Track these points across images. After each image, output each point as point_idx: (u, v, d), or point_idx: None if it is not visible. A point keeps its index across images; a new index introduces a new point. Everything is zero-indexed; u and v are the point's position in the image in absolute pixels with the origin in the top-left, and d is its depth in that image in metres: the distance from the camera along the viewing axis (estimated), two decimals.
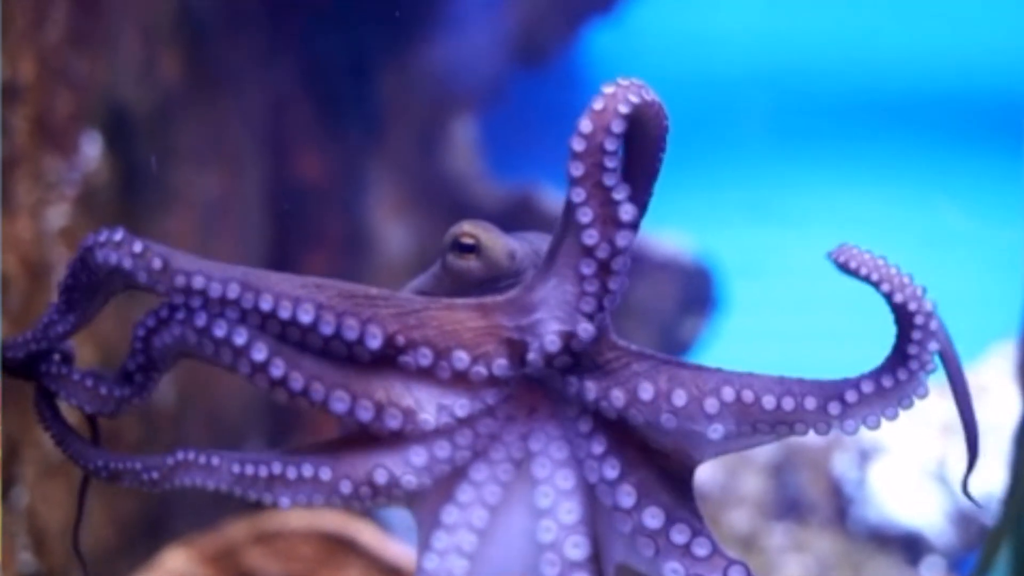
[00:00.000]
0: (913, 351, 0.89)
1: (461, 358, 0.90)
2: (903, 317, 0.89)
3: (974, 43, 3.16)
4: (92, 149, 1.98)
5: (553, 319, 0.90)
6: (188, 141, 2.43)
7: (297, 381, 0.90)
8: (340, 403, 0.89)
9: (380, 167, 2.98)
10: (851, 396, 0.89)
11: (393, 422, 0.90)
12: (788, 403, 0.88)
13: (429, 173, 3.00)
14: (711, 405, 0.88)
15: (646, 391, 0.89)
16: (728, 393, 0.89)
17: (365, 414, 0.89)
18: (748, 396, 0.88)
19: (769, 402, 0.88)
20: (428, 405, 0.90)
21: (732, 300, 3.09)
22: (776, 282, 3.15)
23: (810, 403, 0.88)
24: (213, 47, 2.55)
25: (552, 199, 2.92)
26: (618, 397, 0.89)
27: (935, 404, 2.29)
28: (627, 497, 0.90)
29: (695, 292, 2.98)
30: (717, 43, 3.13)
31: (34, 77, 1.79)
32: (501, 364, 0.91)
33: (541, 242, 0.99)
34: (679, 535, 0.90)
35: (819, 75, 3.17)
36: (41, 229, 1.84)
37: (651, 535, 0.90)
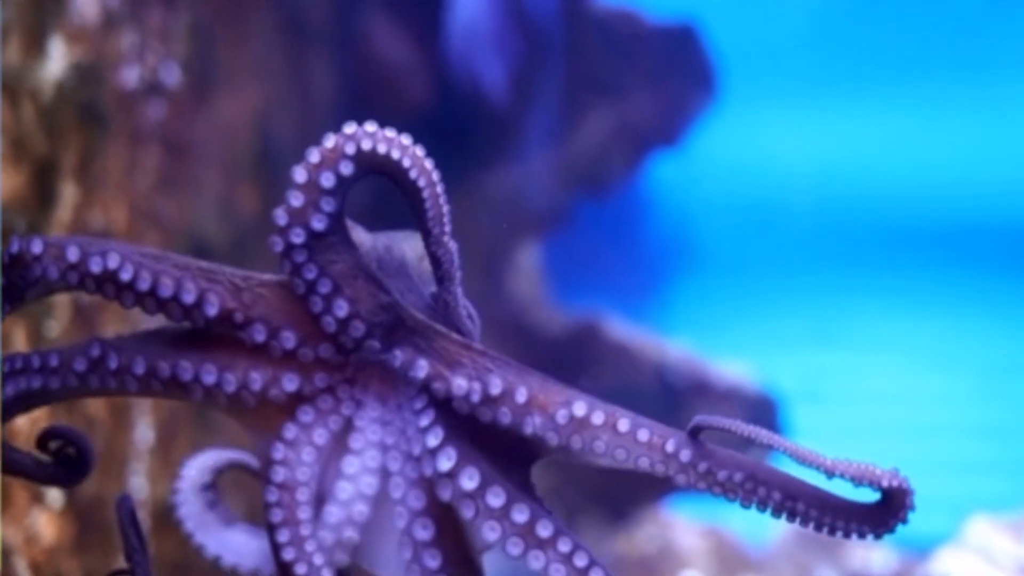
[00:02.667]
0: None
1: (289, 337, 0.92)
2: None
3: None
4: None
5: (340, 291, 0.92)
6: (262, 271, 2.50)
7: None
8: (184, 372, 0.92)
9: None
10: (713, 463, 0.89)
11: (229, 386, 0.92)
12: (643, 435, 0.89)
13: (494, 298, 3.04)
14: (561, 416, 0.90)
15: (495, 386, 0.90)
16: (579, 407, 0.90)
17: (208, 377, 0.92)
18: (598, 417, 0.89)
19: (624, 425, 0.89)
20: (259, 373, 0.92)
21: (796, 427, 3.08)
22: (839, 408, 3.13)
23: (670, 446, 0.89)
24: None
25: (617, 326, 2.95)
26: (459, 386, 0.90)
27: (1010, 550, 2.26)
28: (446, 461, 0.90)
29: (759, 420, 2.97)
30: (780, 174, 3.17)
31: (126, 224, 1.86)
32: (327, 347, 0.92)
33: (401, 241, 1.01)
34: (520, 515, 0.90)
35: (881, 204, 3.19)
36: None
37: (494, 515, 0.90)
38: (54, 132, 1.62)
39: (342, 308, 0.92)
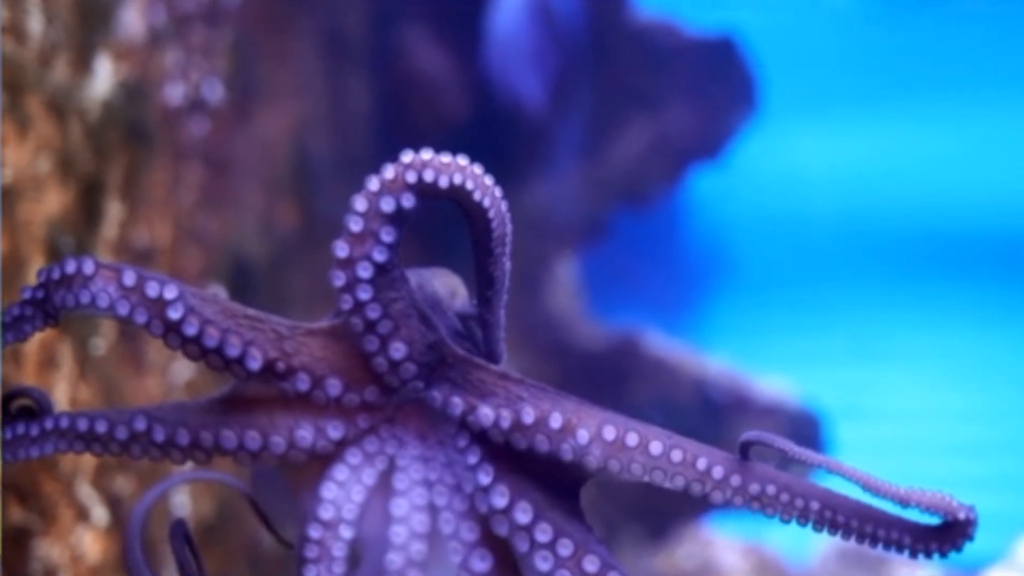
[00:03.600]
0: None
1: (335, 385, 0.92)
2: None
3: None
4: None
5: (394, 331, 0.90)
6: (301, 289, 2.50)
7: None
8: (228, 441, 0.91)
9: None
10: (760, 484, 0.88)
11: (278, 449, 0.91)
12: (676, 455, 0.89)
13: (532, 313, 3.03)
14: (582, 436, 0.89)
15: (527, 414, 0.90)
16: (610, 431, 0.89)
17: (252, 444, 0.91)
18: (632, 439, 0.89)
19: (656, 448, 0.89)
20: (305, 426, 0.91)
21: (838, 444, 3.05)
22: (881, 424, 3.10)
23: (702, 464, 0.88)
24: (325, 194, 2.63)
25: (656, 341, 2.93)
26: (487, 415, 0.90)
27: None
28: (501, 498, 0.90)
29: (801, 437, 2.94)
30: (820, 187, 3.14)
31: (169, 240, 1.87)
32: (372, 390, 0.92)
33: (431, 278, 0.99)
34: (565, 549, 0.89)
35: (921, 217, 3.16)
36: (169, 384, 1.89)
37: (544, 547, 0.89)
38: (101, 150, 1.62)
39: (399, 351, 0.91)
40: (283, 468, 0.93)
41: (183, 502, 1.85)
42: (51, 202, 1.51)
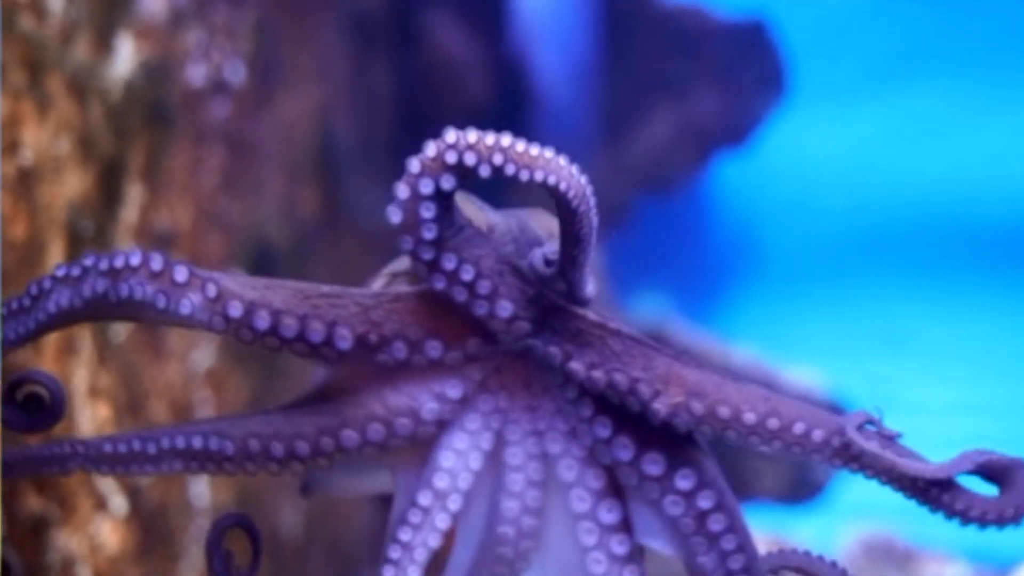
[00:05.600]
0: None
1: (435, 346, 0.88)
2: None
3: None
4: None
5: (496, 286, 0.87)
6: (322, 274, 2.47)
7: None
8: (350, 440, 0.88)
9: None
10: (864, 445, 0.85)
11: (404, 430, 0.88)
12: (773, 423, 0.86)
13: None
14: (671, 404, 0.87)
15: (619, 382, 0.87)
16: (697, 407, 0.87)
17: (376, 435, 0.87)
18: (724, 412, 0.86)
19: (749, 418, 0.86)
20: (424, 396, 0.88)
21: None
22: (911, 417, 3.05)
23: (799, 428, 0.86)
24: (347, 179, 2.59)
25: (681, 329, 2.89)
26: (577, 370, 0.87)
27: None
28: (625, 450, 0.88)
29: None
30: (849, 175, 3.09)
31: (190, 224, 1.83)
32: (474, 343, 0.88)
33: (528, 219, 0.96)
34: (684, 481, 0.87)
35: (954, 207, 3.11)
36: (189, 372, 1.86)
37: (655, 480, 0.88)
38: (121, 132, 1.59)
39: (505, 309, 0.87)
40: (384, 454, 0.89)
41: (202, 492, 1.82)
42: (71, 184, 1.48)
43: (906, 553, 2.56)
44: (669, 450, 0.88)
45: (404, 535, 0.87)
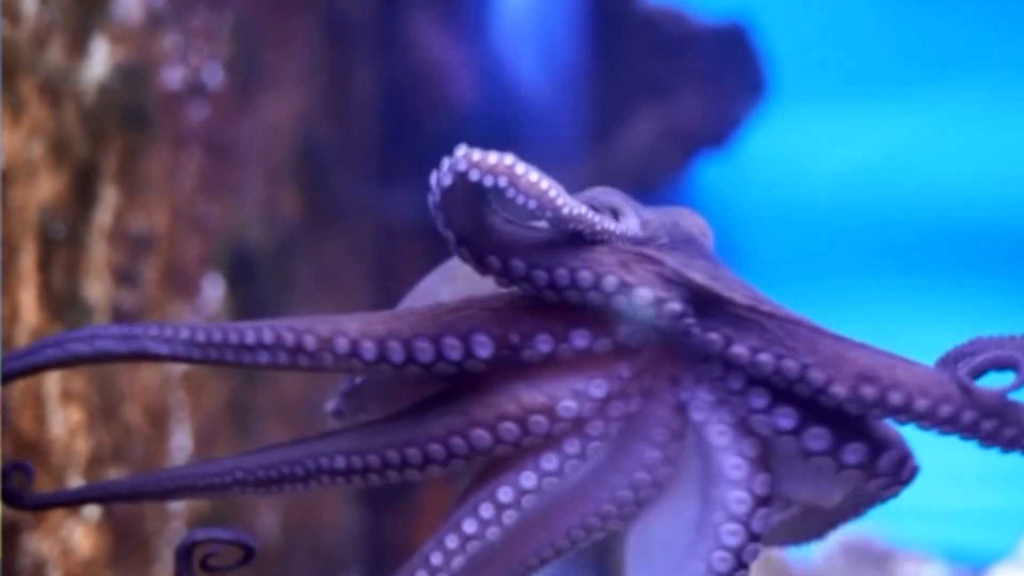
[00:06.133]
0: None
1: (582, 335, 0.85)
2: None
3: None
4: (215, 291, 2.01)
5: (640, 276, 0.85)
6: (305, 277, 2.46)
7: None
8: (480, 440, 0.85)
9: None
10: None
11: (539, 428, 0.84)
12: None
13: None
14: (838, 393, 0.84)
15: (789, 369, 0.84)
16: (868, 391, 0.84)
17: (509, 435, 0.84)
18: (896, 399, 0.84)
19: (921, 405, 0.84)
20: (563, 394, 0.85)
21: None
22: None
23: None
24: (330, 182, 2.59)
25: None
26: (740, 354, 0.84)
27: None
28: (787, 420, 0.85)
29: None
30: (831, 177, 3.10)
31: (167, 227, 1.83)
32: (623, 330, 0.85)
33: (681, 217, 0.95)
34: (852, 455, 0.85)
35: (938, 208, 3.12)
36: (165, 375, 1.86)
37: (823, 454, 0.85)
38: (96, 135, 1.58)
39: (643, 296, 0.85)
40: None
41: None
42: (44, 187, 1.48)
43: (884, 554, 2.57)
44: (835, 424, 0.86)
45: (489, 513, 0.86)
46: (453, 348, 0.85)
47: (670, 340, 0.86)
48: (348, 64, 2.75)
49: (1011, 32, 3.15)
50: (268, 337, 0.87)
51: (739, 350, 0.84)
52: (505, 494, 0.86)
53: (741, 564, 0.85)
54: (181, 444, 1.86)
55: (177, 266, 1.87)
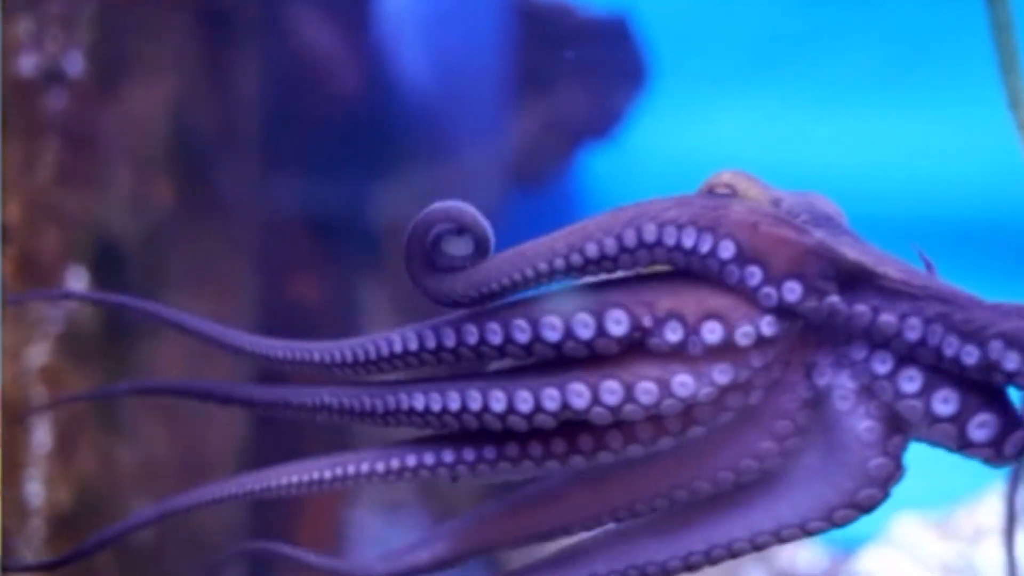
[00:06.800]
0: None
1: (714, 329, 0.80)
2: None
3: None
4: (77, 283, 1.97)
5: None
6: (179, 268, 2.43)
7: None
8: (577, 396, 0.80)
9: (377, 289, 2.97)
10: None
11: (646, 397, 0.79)
12: None
13: (425, 296, 2.99)
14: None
15: (949, 345, 0.77)
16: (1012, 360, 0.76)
17: (612, 397, 0.79)
18: None
19: None
20: (681, 368, 0.80)
21: None
22: None
23: None
24: (206, 173, 2.56)
25: None
26: (890, 324, 0.79)
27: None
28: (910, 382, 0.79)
29: None
30: (713, 166, 3.14)
31: (20, 219, 1.79)
32: (768, 321, 0.80)
33: (816, 199, 0.90)
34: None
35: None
36: (22, 368, 1.82)
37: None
38: None
39: (754, 275, 0.80)
40: None
41: (37, 490, 1.79)
42: None
43: None
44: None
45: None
46: (586, 327, 0.81)
47: (811, 323, 0.81)
48: (227, 54, 2.71)
49: (887, 18, 3.21)
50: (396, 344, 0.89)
51: (888, 318, 0.79)
52: (586, 442, 0.83)
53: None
54: (40, 440, 1.83)
55: (33, 258, 1.83)
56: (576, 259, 0.84)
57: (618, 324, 0.80)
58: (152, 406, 2.21)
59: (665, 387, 0.79)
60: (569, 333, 0.81)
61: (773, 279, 0.80)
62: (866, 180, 3.22)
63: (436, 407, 0.86)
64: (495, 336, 0.84)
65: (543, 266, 0.85)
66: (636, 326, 0.80)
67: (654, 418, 0.81)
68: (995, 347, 0.76)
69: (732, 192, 0.88)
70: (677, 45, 3.06)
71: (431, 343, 0.85)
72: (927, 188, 3.06)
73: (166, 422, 2.27)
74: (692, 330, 0.79)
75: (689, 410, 0.81)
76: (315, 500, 2.69)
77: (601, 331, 0.80)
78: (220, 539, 2.56)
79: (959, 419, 0.80)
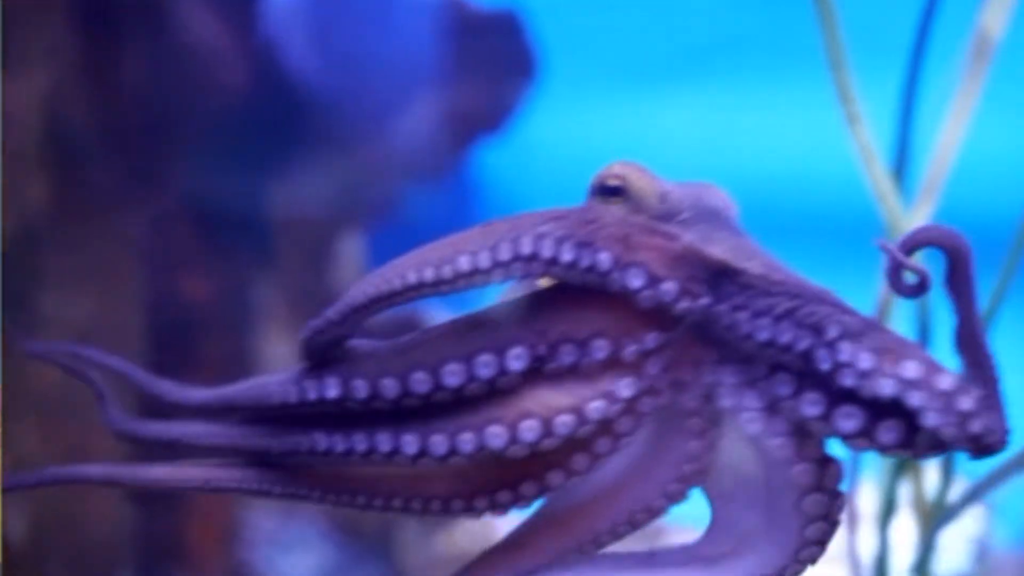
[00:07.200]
0: None
1: (601, 347, 0.82)
2: None
3: None
4: None
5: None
6: (57, 267, 2.37)
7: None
8: (495, 438, 0.81)
9: (268, 285, 2.93)
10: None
11: (564, 429, 0.81)
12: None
13: (316, 291, 2.96)
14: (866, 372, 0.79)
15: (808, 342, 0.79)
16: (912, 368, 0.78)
17: (530, 435, 0.81)
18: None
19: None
20: (591, 396, 0.82)
21: None
22: None
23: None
24: (86, 168, 2.50)
25: (440, 317, 2.89)
26: (760, 329, 0.80)
27: None
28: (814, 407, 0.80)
29: None
30: (606, 158, 3.15)
31: None
32: (653, 336, 0.82)
33: (704, 191, 0.91)
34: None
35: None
36: None
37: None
38: None
39: (638, 277, 0.81)
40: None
41: None
42: None
43: (656, 528, 2.63)
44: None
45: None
46: (485, 367, 0.82)
47: (690, 324, 0.83)
48: (108, 48, 2.66)
49: (783, 17, 3.25)
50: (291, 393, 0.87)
51: (741, 317, 0.81)
52: (529, 488, 0.84)
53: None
54: None
55: None
56: (447, 272, 0.85)
57: (518, 359, 0.82)
58: (30, 409, 2.16)
59: (580, 414, 0.81)
60: (472, 375, 0.82)
61: (650, 286, 0.82)
62: (757, 171, 3.26)
63: (339, 448, 0.85)
64: (391, 390, 0.84)
65: (412, 278, 0.86)
66: (535, 357, 0.82)
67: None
68: (831, 336, 0.78)
69: (623, 183, 0.90)
70: (568, 38, 3.07)
71: (312, 396, 0.84)
72: (765, 180, 3.10)
73: (44, 426, 2.22)
74: (586, 351, 0.82)
75: (607, 426, 0.83)
76: (207, 501, 2.64)
77: (503, 370, 0.82)
78: (106, 541, 2.51)
79: (827, 417, 0.81)
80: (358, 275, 3.07)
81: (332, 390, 0.85)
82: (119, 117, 2.66)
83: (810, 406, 0.80)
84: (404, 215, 3.05)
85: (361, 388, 0.85)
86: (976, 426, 0.76)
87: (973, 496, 1.22)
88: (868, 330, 0.79)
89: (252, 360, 2.84)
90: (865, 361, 0.77)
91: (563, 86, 3.04)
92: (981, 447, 0.77)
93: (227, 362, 2.82)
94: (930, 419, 0.76)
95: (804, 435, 0.82)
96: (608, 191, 0.90)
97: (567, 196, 3.40)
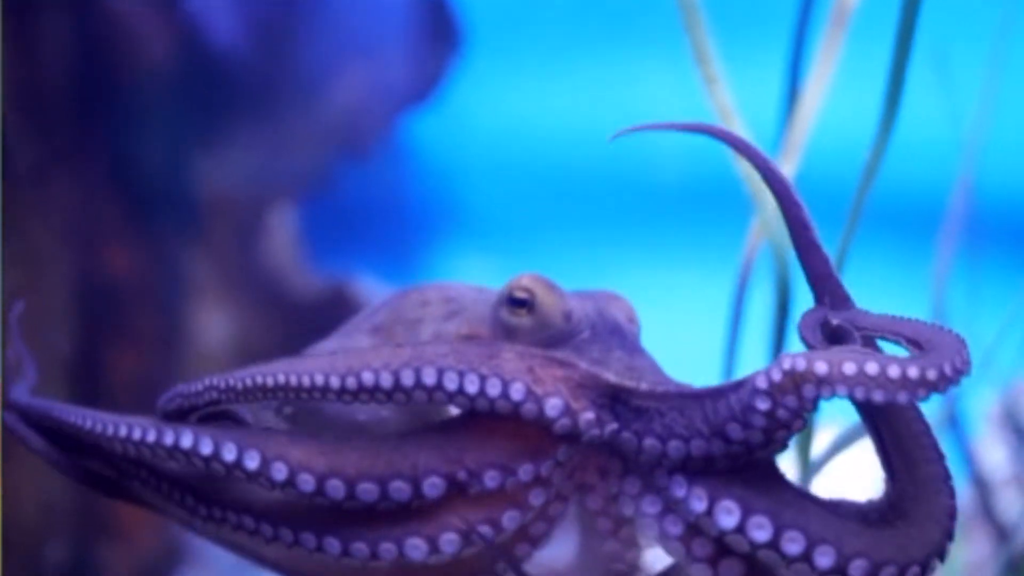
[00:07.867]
0: None
1: (493, 476, 0.87)
2: None
3: None
4: None
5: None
6: None
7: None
8: (415, 549, 0.86)
9: (196, 259, 2.92)
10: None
11: (482, 539, 0.86)
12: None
13: (247, 265, 2.96)
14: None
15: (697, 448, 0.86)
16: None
17: (450, 547, 0.88)
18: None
19: None
20: (504, 507, 0.87)
21: None
22: None
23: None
24: (11, 148, 2.48)
25: (367, 288, 2.90)
26: (653, 447, 0.87)
27: None
28: (699, 502, 0.87)
29: None
30: (535, 133, 3.17)
31: None
32: (563, 450, 0.88)
33: (609, 302, 0.95)
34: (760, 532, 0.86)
35: (636, 163, 3.23)
36: None
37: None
38: None
39: (555, 407, 0.87)
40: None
41: None
42: None
43: None
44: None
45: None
46: (401, 491, 0.85)
47: (589, 443, 0.88)
48: (30, 21, 2.64)
49: None
50: (206, 447, 0.87)
51: (626, 436, 0.87)
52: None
53: None
54: None
55: None
56: (351, 383, 0.88)
57: (433, 488, 0.86)
58: None
59: (497, 525, 0.87)
60: (385, 495, 0.85)
61: (566, 415, 0.88)
62: (677, 143, 3.28)
63: (266, 536, 0.90)
64: (308, 485, 0.87)
65: (319, 380, 0.88)
66: (452, 482, 0.86)
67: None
68: (733, 430, 0.86)
69: (530, 297, 0.93)
70: (494, 8, 3.08)
71: (227, 457, 0.90)
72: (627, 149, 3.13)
73: None
74: (509, 471, 0.87)
75: (523, 532, 0.89)
76: (138, 524, 2.64)
77: (418, 494, 0.86)
78: (36, 516, 2.51)
79: (710, 511, 0.88)
80: (290, 248, 3.07)
81: (230, 454, 0.89)
82: (42, 92, 2.64)
83: (697, 501, 0.86)
84: (335, 187, 3.05)
85: (280, 471, 0.87)
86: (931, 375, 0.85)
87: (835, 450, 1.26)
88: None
89: (182, 334, 2.84)
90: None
91: (490, 54, 3.05)
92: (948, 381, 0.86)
93: (157, 336, 2.82)
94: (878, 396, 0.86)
95: (697, 534, 0.88)
96: (516, 302, 0.92)
97: (495, 163, 3.40)
